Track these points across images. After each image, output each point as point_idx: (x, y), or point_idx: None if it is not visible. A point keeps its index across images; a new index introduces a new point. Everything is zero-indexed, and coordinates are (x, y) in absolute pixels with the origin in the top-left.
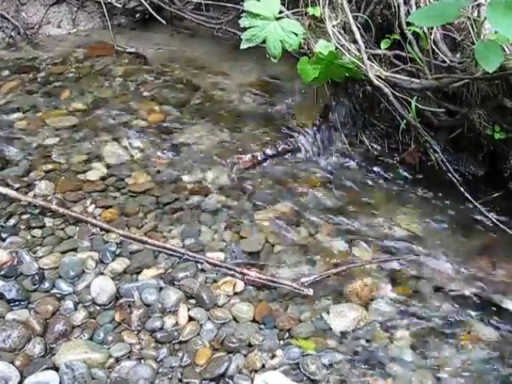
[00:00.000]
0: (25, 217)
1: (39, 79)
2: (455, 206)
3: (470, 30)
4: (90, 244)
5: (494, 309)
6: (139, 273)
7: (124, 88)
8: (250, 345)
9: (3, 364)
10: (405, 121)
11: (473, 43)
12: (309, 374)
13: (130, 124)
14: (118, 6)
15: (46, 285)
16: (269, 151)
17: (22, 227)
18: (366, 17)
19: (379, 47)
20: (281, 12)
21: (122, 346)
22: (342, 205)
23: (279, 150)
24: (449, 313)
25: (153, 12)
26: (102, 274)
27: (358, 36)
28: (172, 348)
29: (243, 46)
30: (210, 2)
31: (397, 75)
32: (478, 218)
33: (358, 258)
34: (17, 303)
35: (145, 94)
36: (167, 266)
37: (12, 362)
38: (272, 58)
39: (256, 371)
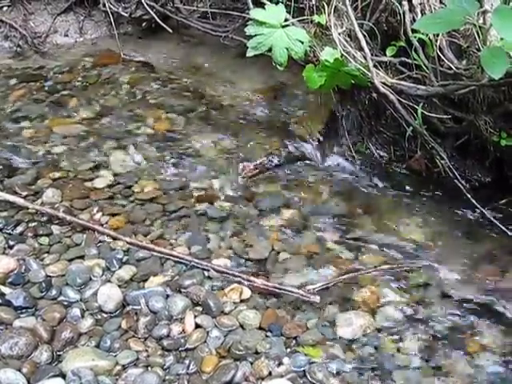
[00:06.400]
0: (32, 224)
1: (46, 88)
2: (462, 212)
3: (476, 36)
4: (97, 251)
5: (502, 316)
6: (146, 280)
7: (131, 96)
8: (256, 352)
9: (10, 371)
10: (411, 128)
11: (479, 50)
12: (316, 381)
13: (137, 132)
14: (125, 14)
15: (53, 292)
16: (275, 158)
17: (30, 235)
18: (371, 24)
19: (385, 54)
20: (286, 20)
21: (128, 354)
22: (348, 212)
23: (285, 157)
24: (456, 320)
25: (159, 21)
26: (109, 281)
27: (363, 43)
28: (179, 355)
29: (249, 53)
30: (217, 11)
31: (403, 82)
32: (485, 224)
33: (365, 265)
34: (24, 310)
35: (151, 101)
36: (174, 274)
37: (19, 370)
38: (278, 66)
39: (263, 379)
